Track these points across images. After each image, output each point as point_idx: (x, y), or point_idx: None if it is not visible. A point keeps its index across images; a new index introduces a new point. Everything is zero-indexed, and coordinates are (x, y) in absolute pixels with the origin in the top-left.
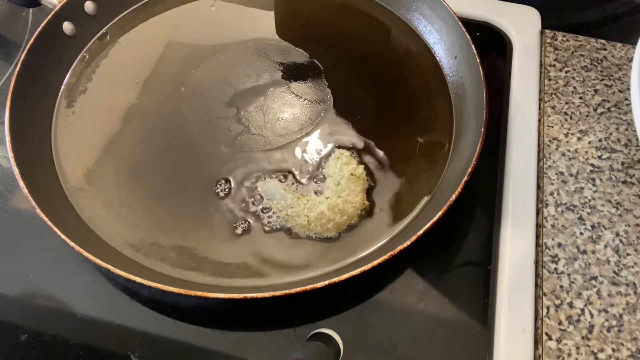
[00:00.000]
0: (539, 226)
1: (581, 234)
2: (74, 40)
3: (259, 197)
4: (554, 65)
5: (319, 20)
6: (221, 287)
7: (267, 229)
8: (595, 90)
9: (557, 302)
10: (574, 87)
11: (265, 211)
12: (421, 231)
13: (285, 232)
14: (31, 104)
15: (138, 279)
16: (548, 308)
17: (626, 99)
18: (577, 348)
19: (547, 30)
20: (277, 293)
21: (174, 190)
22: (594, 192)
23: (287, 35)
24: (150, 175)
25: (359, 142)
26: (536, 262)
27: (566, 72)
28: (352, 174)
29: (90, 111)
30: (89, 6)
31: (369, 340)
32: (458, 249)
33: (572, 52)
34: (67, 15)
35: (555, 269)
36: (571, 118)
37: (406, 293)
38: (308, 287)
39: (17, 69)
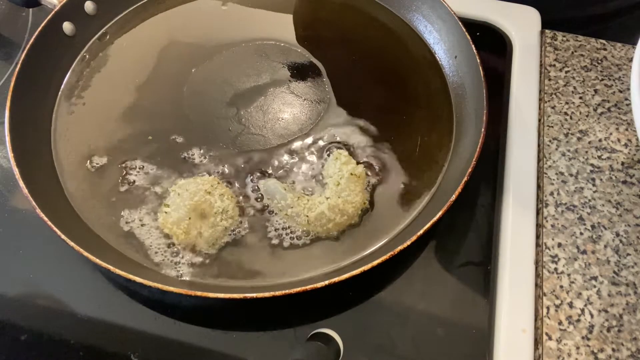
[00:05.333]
0: (539, 226)
1: (581, 234)
2: (74, 40)
3: (259, 196)
4: (554, 65)
5: (319, 20)
6: (221, 287)
7: (266, 228)
8: (595, 90)
9: (557, 302)
10: (574, 87)
11: (265, 211)
12: (421, 231)
13: (285, 232)
14: (31, 104)
15: (138, 279)
16: (548, 308)
17: (626, 99)
18: (577, 348)
19: (547, 30)
20: (277, 293)
21: None
22: (594, 192)
23: (287, 35)
24: None
25: (359, 142)
26: (536, 262)
27: (566, 72)
28: (352, 174)
29: (90, 111)
30: (89, 6)
31: (369, 340)
32: (458, 249)
33: (572, 52)
34: (67, 15)
35: (555, 269)
36: (571, 118)
37: (406, 293)
38: (308, 287)
39: (17, 69)
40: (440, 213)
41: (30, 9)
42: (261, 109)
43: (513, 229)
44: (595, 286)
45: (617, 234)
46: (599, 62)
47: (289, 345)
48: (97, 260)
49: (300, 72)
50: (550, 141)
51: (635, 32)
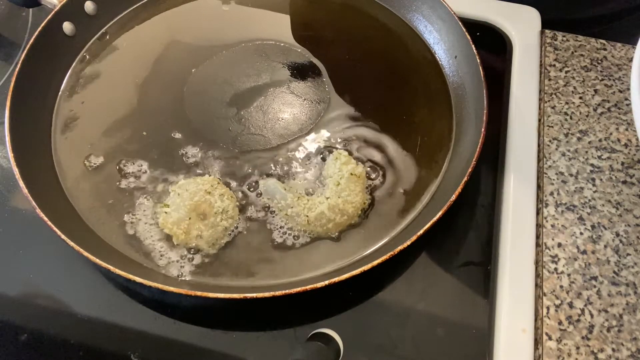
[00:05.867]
0: (539, 226)
1: (581, 234)
2: (74, 40)
3: (259, 196)
4: (554, 65)
5: (319, 20)
6: (221, 287)
7: (266, 228)
8: (595, 90)
9: (557, 302)
10: (574, 87)
11: (265, 211)
12: (421, 231)
13: (285, 232)
14: (31, 104)
15: (138, 279)
16: (548, 308)
17: (626, 99)
18: (577, 348)
19: (547, 30)
20: (277, 293)
21: None
22: (594, 192)
23: (287, 35)
24: None
25: (359, 142)
26: (536, 262)
27: (566, 72)
28: (352, 174)
29: (90, 111)
30: (89, 6)
31: (369, 340)
32: (458, 249)
33: (572, 52)
34: (67, 15)
35: (555, 269)
36: (571, 118)
37: (406, 293)
38: (308, 287)
39: (17, 69)
40: (440, 213)
41: (30, 9)
42: (261, 109)
43: (513, 229)
44: (595, 286)
45: (617, 234)
46: (599, 62)
47: (289, 345)
48: (97, 260)
49: (300, 72)
50: (550, 141)
51: (635, 34)
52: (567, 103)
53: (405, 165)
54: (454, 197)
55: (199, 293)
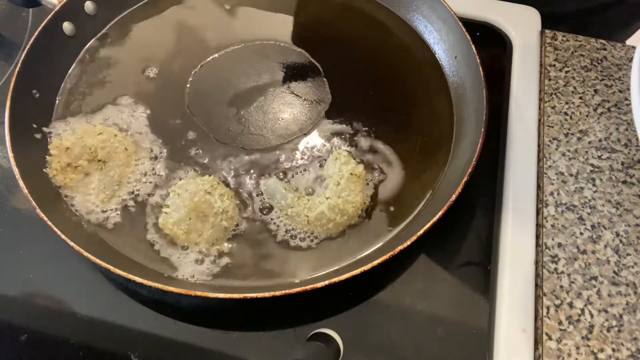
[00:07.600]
0: (539, 226)
1: (581, 234)
2: (74, 40)
3: (259, 196)
4: (554, 65)
5: (319, 20)
6: (221, 287)
7: (267, 228)
8: (595, 90)
9: (557, 302)
10: (574, 87)
11: (265, 211)
12: (421, 231)
13: (285, 232)
14: (31, 104)
15: (138, 279)
16: (548, 308)
17: (626, 99)
18: (577, 348)
19: (547, 31)
20: (277, 293)
21: None
22: (594, 192)
23: (288, 35)
24: None
25: (359, 143)
26: (536, 262)
27: (566, 72)
28: (352, 174)
29: (90, 111)
30: (89, 6)
31: (369, 340)
32: (458, 249)
33: (572, 52)
34: (67, 15)
35: (555, 269)
36: (571, 118)
37: (406, 293)
38: (308, 287)
39: (17, 69)
40: (440, 213)
41: (30, 9)
42: (261, 109)
43: (513, 229)
44: (595, 286)
45: (617, 234)
46: (599, 62)
47: (289, 345)
48: (97, 260)
49: (300, 72)
50: (550, 141)
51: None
52: (567, 103)
53: (405, 165)
54: (454, 197)
55: (199, 293)
